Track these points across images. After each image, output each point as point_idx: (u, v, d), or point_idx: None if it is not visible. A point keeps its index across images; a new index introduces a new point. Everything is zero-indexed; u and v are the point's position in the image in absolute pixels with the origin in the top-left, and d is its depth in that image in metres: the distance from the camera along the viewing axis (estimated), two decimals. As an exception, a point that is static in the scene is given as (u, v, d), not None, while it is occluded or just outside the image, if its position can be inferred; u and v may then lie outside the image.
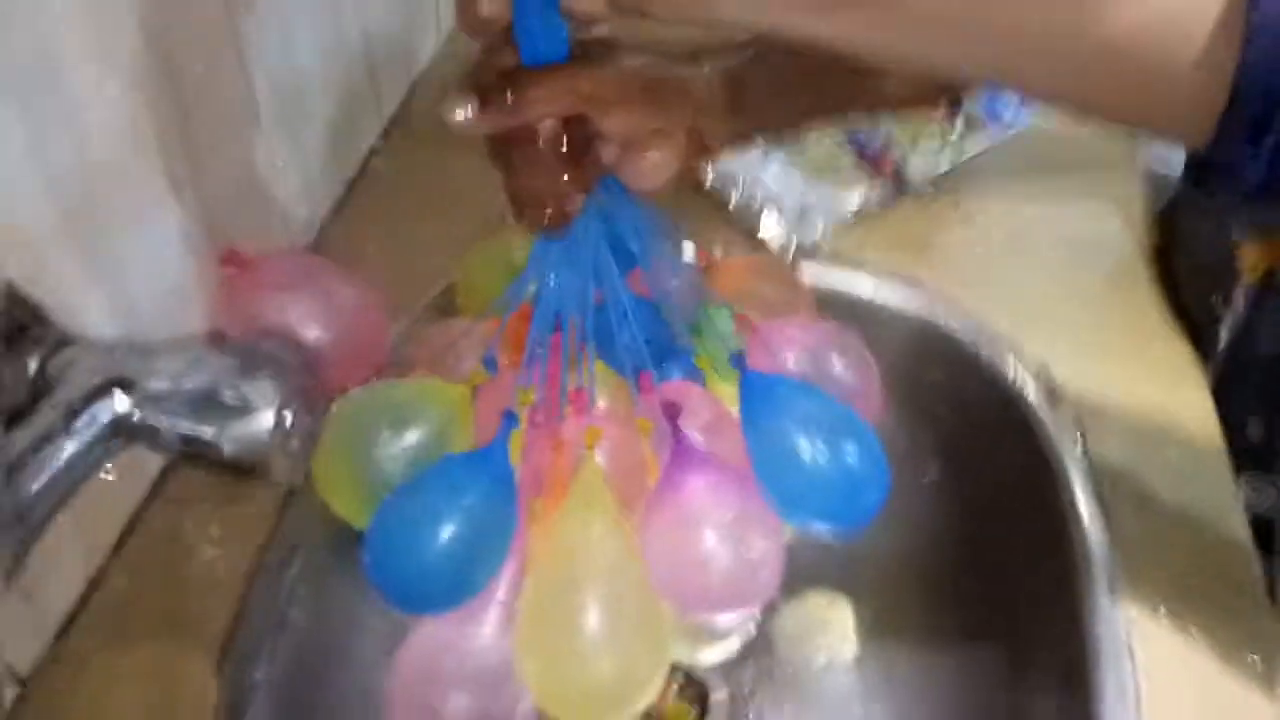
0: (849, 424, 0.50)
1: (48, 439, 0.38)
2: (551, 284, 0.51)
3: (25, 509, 0.36)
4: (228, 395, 0.40)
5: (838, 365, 0.56)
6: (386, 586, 0.45)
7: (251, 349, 0.41)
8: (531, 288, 0.51)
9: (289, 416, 0.39)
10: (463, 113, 0.44)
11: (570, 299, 0.51)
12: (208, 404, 0.40)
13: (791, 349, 0.55)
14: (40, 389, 0.39)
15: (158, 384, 0.41)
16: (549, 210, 0.47)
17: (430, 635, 0.47)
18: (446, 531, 0.44)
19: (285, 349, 0.42)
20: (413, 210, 0.84)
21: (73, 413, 0.38)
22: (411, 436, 0.48)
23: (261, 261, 0.50)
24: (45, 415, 0.38)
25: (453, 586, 0.46)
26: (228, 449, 0.39)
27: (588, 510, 0.46)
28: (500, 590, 0.48)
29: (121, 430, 0.40)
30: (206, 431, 0.39)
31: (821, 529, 0.49)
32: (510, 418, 0.48)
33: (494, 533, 0.46)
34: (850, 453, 0.49)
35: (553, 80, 0.44)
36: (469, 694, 0.46)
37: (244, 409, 0.39)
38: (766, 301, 0.59)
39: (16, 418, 0.37)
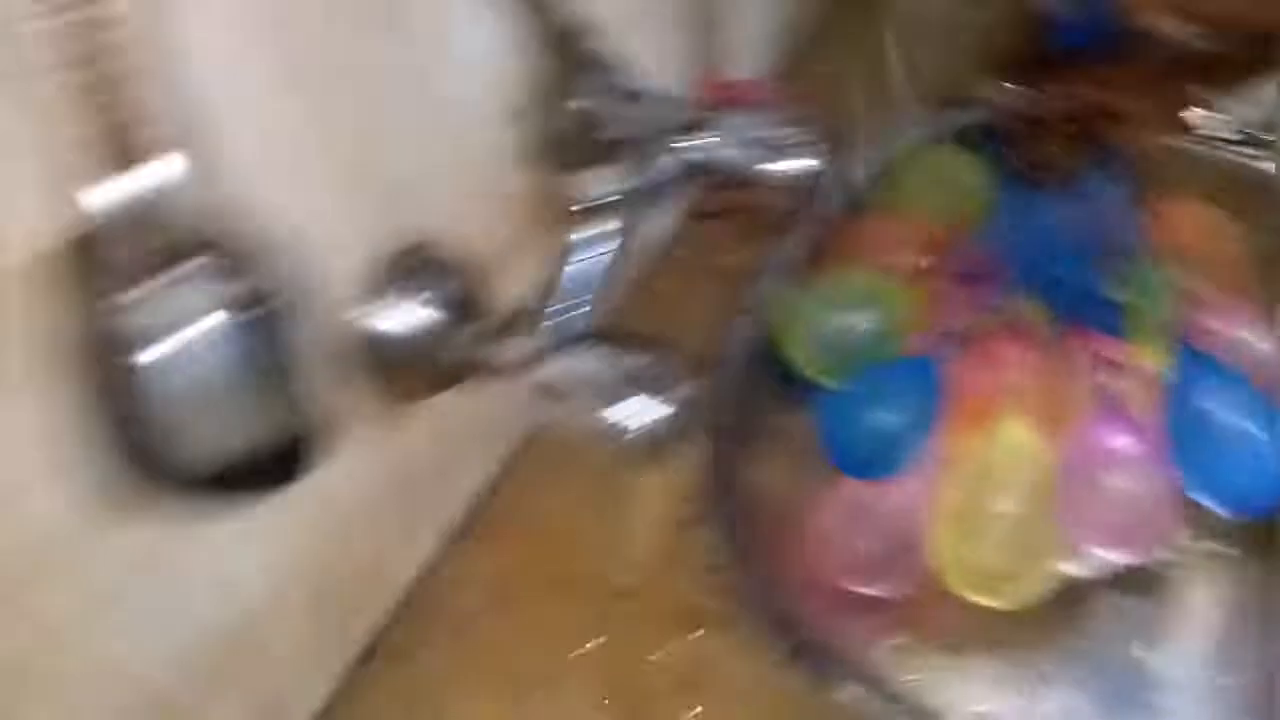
0: (1270, 419, 0.51)
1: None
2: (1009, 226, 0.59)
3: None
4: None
5: (1265, 350, 0.57)
6: (834, 450, 0.55)
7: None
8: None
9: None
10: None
11: (1025, 242, 0.58)
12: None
13: (1226, 328, 0.57)
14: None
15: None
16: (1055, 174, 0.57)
17: (854, 491, 0.55)
18: (885, 419, 0.55)
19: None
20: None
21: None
22: (866, 319, 0.59)
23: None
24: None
25: (883, 461, 0.55)
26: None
27: (1014, 426, 0.53)
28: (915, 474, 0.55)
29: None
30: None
31: (1217, 506, 0.52)
32: (949, 340, 0.56)
33: (919, 427, 0.55)
34: (1266, 447, 0.51)
35: (1090, 74, 0.55)
36: (880, 542, 0.53)
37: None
38: (1206, 260, 0.60)
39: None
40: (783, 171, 0.43)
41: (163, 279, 0.24)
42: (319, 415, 0.28)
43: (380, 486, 0.47)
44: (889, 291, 0.59)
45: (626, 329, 0.52)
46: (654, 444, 0.39)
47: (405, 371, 0.41)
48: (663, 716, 0.48)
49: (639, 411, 0.38)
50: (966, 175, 0.64)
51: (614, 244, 0.42)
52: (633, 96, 0.44)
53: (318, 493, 0.42)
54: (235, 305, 0.25)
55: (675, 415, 0.39)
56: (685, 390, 0.39)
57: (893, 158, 0.66)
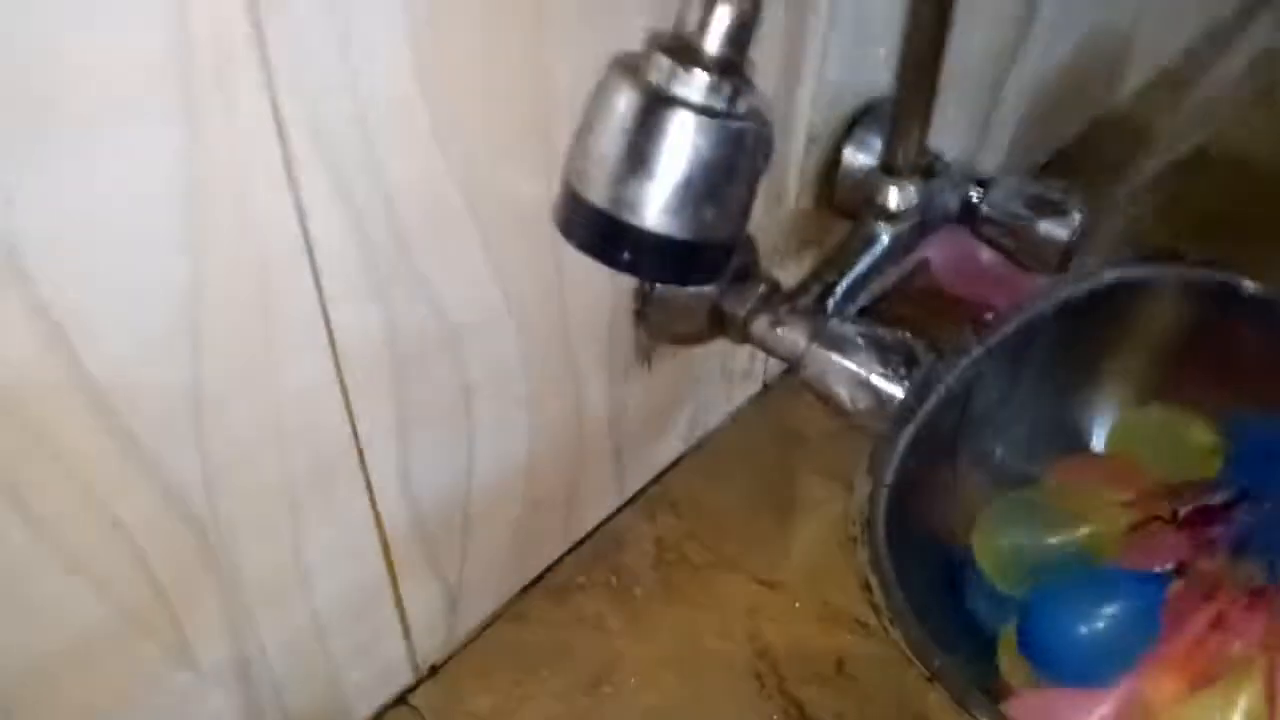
0: None
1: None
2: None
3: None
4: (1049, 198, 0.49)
5: None
6: (1032, 651, 0.56)
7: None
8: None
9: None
10: None
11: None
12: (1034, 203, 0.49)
13: None
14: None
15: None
16: None
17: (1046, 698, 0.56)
18: (1100, 627, 0.56)
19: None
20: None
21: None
22: (1070, 540, 0.61)
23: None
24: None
25: (1081, 671, 0.55)
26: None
27: (1237, 700, 0.53)
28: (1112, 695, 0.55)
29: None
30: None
31: None
32: (1168, 576, 0.57)
33: (1127, 647, 0.55)
34: None
35: None
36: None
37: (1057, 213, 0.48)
38: None
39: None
40: (1046, 232, 0.48)
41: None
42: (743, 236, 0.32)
43: (601, 420, 0.50)
44: (1101, 517, 0.60)
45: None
46: (896, 414, 0.43)
47: (687, 316, 0.46)
48: (795, 696, 0.49)
49: (891, 380, 0.42)
50: (1198, 435, 0.66)
51: (889, 252, 0.47)
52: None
53: (563, 404, 0.47)
54: (756, 117, 0.30)
55: (919, 388, 0.43)
56: (932, 374, 0.43)
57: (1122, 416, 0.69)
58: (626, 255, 0.29)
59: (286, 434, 0.35)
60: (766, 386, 0.63)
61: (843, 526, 0.56)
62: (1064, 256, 0.48)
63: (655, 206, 0.29)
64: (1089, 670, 0.55)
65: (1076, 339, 0.69)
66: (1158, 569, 0.58)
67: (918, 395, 0.44)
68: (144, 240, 0.28)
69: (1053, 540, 0.60)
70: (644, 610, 0.52)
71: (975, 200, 0.49)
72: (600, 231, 0.30)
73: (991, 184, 0.49)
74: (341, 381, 0.35)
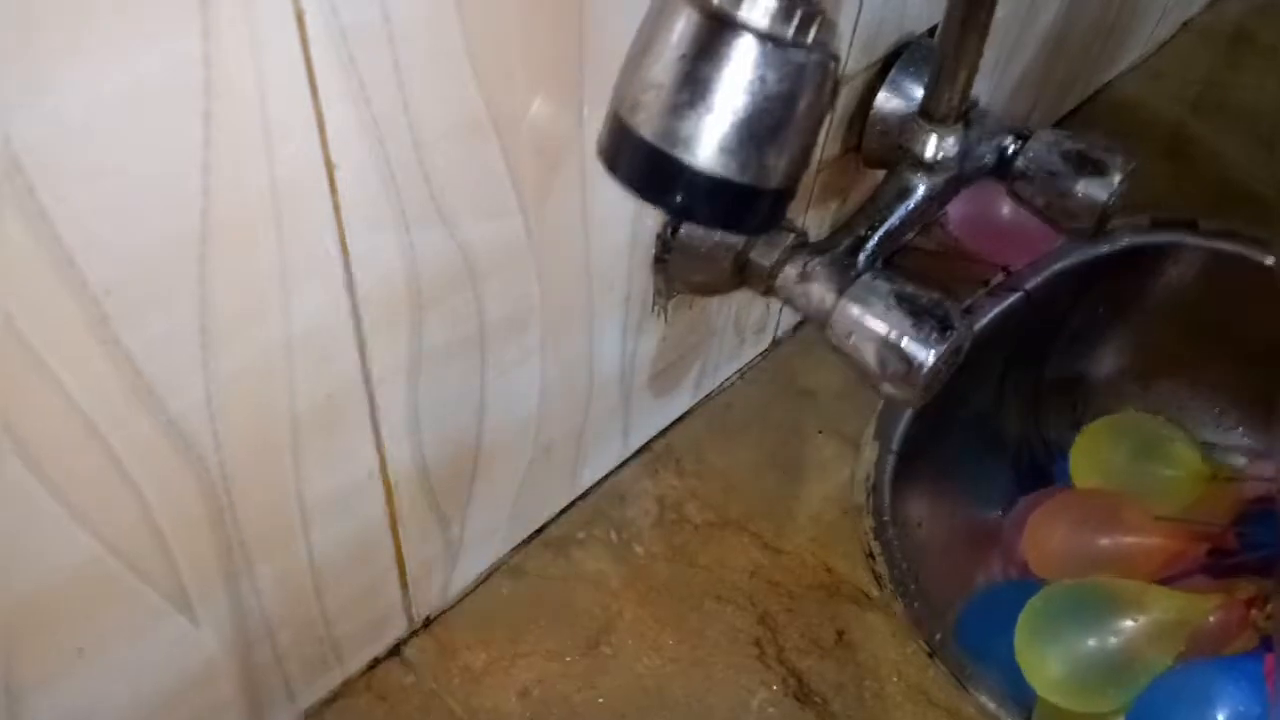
0: None
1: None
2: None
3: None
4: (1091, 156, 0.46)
5: None
6: None
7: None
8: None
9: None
10: None
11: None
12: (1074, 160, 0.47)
13: None
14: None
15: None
16: None
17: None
18: None
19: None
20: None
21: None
22: (1120, 633, 0.54)
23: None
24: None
25: None
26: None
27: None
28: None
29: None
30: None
31: None
32: (1267, 646, 0.53)
33: None
34: None
35: None
36: None
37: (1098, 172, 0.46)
38: None
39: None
40: (1084, 192, 0.46)
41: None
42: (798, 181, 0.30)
43: (613, 368, 0.48)
44: (1142, 598, 0.54)
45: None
46: (926, 381, 0.41)
47: (711, 265, 0.44)
48: (794, 666, 0.48)
49: (922, 345, 0.41)
50: (1174, 449, 0.62)
51: (923, 204, 0.45)
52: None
53: (577, 349, 0.45)
54: (825, 48, 0.28)
55: (952, 354, 0.41)
56: (965, 331, 0.41)
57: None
58: (678, 197, 0.27)
59: (295, 368, 0.32)
60: (777, 342, 0.61)
61: (849, 491, 0.55)
62: (1100, 219, 0.46)
63: (712, 143, 0.26)
64: None
65: (1091, 305, 0.68)
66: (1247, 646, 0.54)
67: (950, 363, 0.42)
68: (152, 152, 0.25)
69: (1110, 645, 0.53)
70: (645, 569, 0.51)
71: (1012, 153, 0.47)
72: (650, 169, 0.27)
73: (1030, 137, 0.47)
74: (356, 315, 0.33)
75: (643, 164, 0.27)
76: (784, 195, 0.29)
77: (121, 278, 0.26)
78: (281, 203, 0.28)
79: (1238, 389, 0.66)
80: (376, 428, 0.37)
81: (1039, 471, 0.70)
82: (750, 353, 0.58)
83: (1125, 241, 0.64)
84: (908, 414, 0.57)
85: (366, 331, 0.33)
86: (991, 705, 0.47)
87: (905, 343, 0.41)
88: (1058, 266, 0.63)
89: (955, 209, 0.65)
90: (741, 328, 0.55)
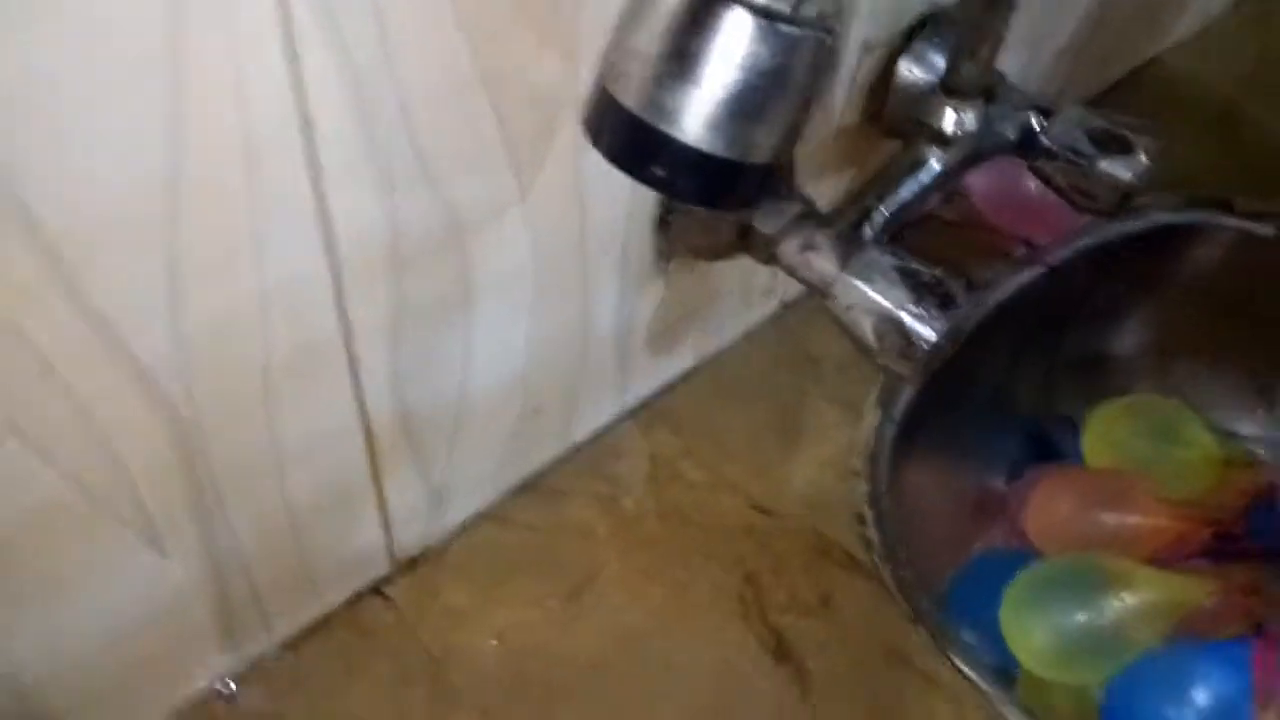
0: None
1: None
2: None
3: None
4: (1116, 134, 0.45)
5: None
6: None
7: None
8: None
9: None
10: None
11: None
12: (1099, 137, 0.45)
13: None
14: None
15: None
16: None
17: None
18: (1187, 716, 0.50)
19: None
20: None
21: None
22: (1106, 612, 0.53)
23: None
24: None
25: None
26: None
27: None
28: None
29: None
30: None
31: None
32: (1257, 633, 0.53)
33: None
34: None
35: None
36: None
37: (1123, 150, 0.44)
38: None
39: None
40: (1108, 171, 0.44)
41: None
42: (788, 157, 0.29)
43: (608, 329, 0.48)
44: (1134, 576, 0.54)
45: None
46: (925, 358, 0.40)
47: (713, 229, 0.43)
48: (776, 625, 0.48)
49: (923, 321, 0.40)
50: (1190, 432, 0.60)
51: (938, 179, 0.43)
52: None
53: (570, 311, 0.44)
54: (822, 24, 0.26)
55: (953, 331, 0.40)
56: (963, 310, 0.40)
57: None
58: (659, 171, 0.26)
59: (270, 320, 0.32)
60: (785, 306, 0.60)
61: (848, 457, 0.55)
62: (1122, 200, 0.44)
63: (698, 118, 0.26)
64: None
65: (1114, 281, 0.66)
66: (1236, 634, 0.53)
67: (950, 340, 0.41)
68: (116, 99, 0.25)
69: (1097, 620, 0.53)
70: (633, 523, 0.51)
71: (1036, 129, 0.45)
72: (632, 141, 0.26)
73: (1055, 112, 0.45)
74: (336, 271, 0.33)
75: (625, 135, 0.26)
76: (769, 171, 0.28)
77: (86, 226, 0.26)
78: (255, 155, 0.27)
79: (1262, 374, 0.64)
80: (357, 380, 0.37)
81: (1051, 447, 0.69)
82: (756, 316, 0.58)
83: (1155, 219, 0.61)
84: (915, 381, 0.57)
85: (346, 287, 0.33)
86: (971, 673, 0.47)
87: (905, 318, 0.40)
88: (1083, 242, 0.61)
89: (980, 181, 0.63)
90: (747, 291, 0.54)
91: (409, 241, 0.34)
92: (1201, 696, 0.50)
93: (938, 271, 0.40)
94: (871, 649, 0.48)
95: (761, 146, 0.27)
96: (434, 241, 0.35)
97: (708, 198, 0.28)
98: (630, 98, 0.27)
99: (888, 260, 0.41)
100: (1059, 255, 0.60)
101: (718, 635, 0.48)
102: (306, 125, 0.28)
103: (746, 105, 0.26)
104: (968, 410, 0.65)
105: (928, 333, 0.39)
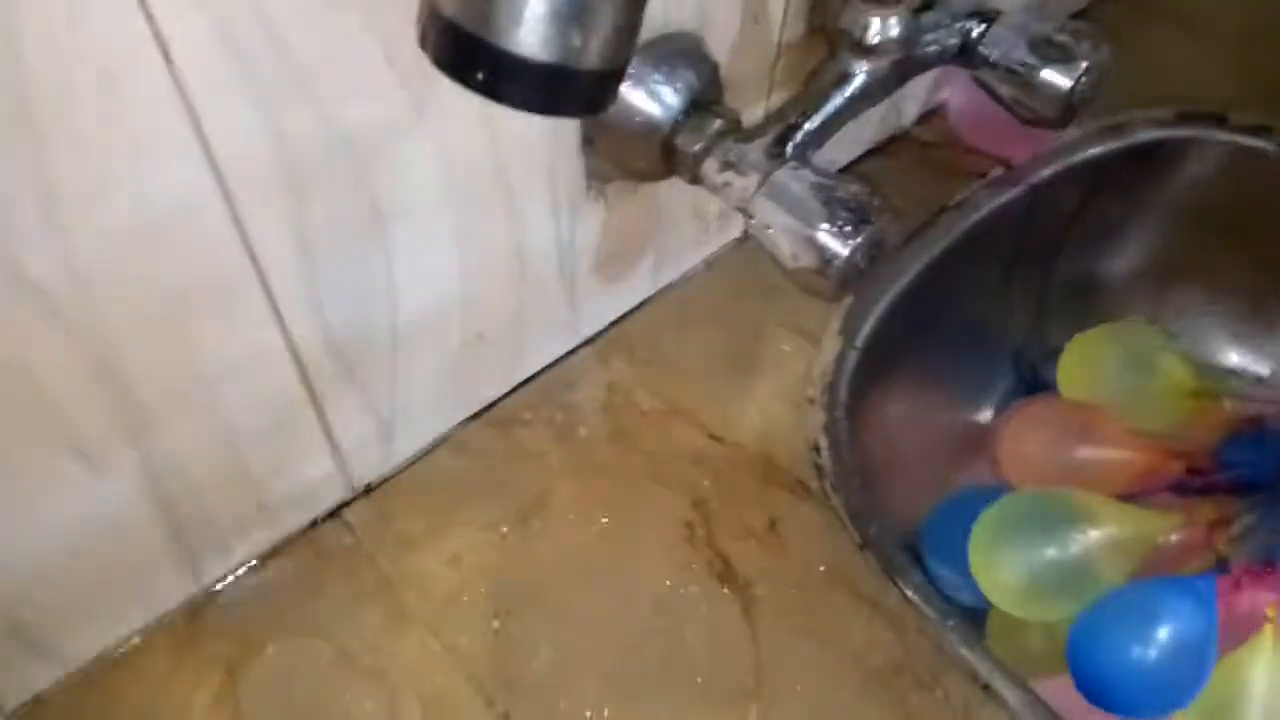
0: None
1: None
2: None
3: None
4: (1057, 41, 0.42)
5: None
6: (1088, 687, 0.51)
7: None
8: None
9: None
10: None
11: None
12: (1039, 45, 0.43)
13: None
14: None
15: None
16: None
17: None
18: (1156, 651, 0.50)
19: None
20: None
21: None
22: (1075, 546, 0.53)
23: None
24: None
25: (1153, 699, 0.51)
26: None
27: (1257, 664, 0.51)
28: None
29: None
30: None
31: None
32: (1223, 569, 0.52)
33: (1195, 661, 0.50)
34: None
35: None
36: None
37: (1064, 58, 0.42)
38: None
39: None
40: (1048, 80, 0.43)
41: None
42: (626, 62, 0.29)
43: (547, 255, 0.48)
44: (1102, 511, 0.53)
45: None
46: (839, 276, 0.40)
47: (637, 148, 0.43)
48: (722, 549, 0.48)
49: (836, 238, 0.39)
50: (1166, 362, 0.59)
51: (864, 91, 0.42)
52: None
53: (498, 235, 0.45)
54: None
55: (869, 248, 0.39)
56: (884, 226, 0.39)
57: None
58: (480, 75, 0.26)
59: (166, 242, 0.33)
60: (747, 233, 0.59)
61: (805, 387, 0.54)
62: (1064, 110, 0.42)
63: (508, 21, 0.26)
64: (1162, 695, 0.51)
65: (1104, 202, 0.63)
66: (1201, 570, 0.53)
67: (867, 258, 0.40)
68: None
69: (1065, 555, 0.53)
70: (586, 450, 0.52)
71: (975, 37, 0.44)
72: (453, 48, 0.26)
73: (995, 20, 0.44)
74: (225, 192, 0.34)
75: (447, 42, 0.26)
76: (605, 77, 0.28)
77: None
78: (109, 76, 0.29)
79: (1259, 299, 0.61)
80: (274, 303, 0.38)
81: (1040, 378, 0.67)
82: (715, 243, 0.57)
83: (1143, 135, 0.59)
84: (879, 310, 0.56)
85: (240, 210, 0.34)
86: (916, 598, 0.47)
87: (820, 236, 0.39)
88: (1066, 160, 0.59)
89: (955, 98, 0.61)
90: (702, 215, 0.54)
91: (299, 163, 0.35)
92: (1167, 632, 0.50)
93: (856, 188, 0.39)
94: (817, 576, 0.48)
95: (583, 50, 0.27)
96: (328, 164, 0.36)
97: (538, 104, 0.28)
98: (449, 4, 0.27)
99: (806, 177, 0.40)
100: (1039, 174, 0.58)
101: (664, 559, 0.48)
102: (161, 42, 0.29)
103: (564, 8, 0.26)
104: (952, 340, 0.64)
105: (841, 249, 0.39)
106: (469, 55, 0.26)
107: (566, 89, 0.27)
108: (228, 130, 0.32)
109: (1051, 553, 0.53)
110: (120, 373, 0.36)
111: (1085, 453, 0.57)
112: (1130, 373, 0.59)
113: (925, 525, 0.60)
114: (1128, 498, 0.55)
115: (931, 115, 0.65)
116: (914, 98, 0.63)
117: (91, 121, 0.29)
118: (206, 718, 0.43)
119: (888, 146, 0.64)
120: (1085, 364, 0.60)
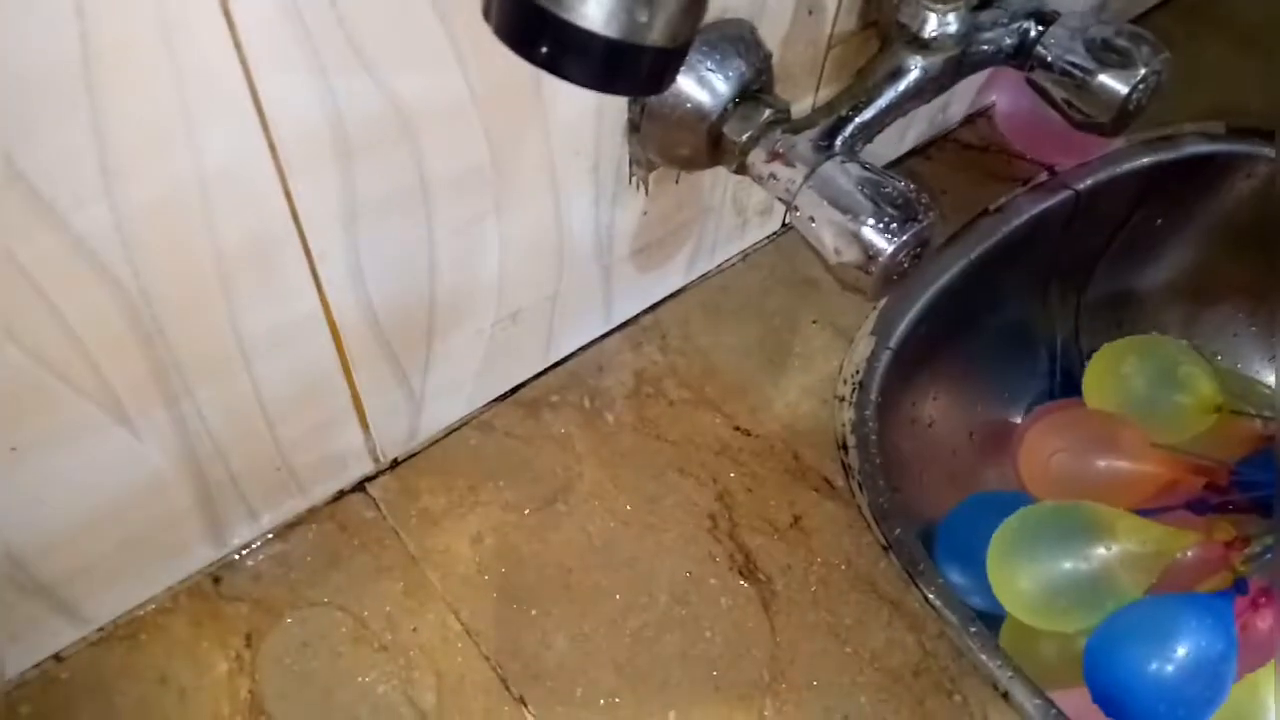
0: None
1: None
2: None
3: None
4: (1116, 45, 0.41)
5: None
6: (1105, 701, 0.51)
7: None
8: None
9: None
10: None
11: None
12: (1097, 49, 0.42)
13: None
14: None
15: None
16: None
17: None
18: (1170, 667, 0.50)
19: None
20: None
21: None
22: (1093, 560, 0.53)
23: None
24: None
25: (1168, 718, 0.51)
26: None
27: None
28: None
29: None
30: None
31: None
32: (1240, 588, 0.51)
33: (1213, 680, 0.50)
34: None
35: None
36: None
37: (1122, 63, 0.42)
38: None
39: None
40: (1104, 84, 0.42)
41: None
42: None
43: (586, 239, 0.48)
44: (1120, 525, 0.53)
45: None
46: (882, 273, 0.40)
47: (683, 135, 0.42)
48: (744, 543, 0.48)
49: (881, 234, 0.39)
50: (1192, 376, 0.59)
51: (917, 87, 0.42)
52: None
53: (540, 216, 0.44)
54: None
55: (913, 246, 0.39)
56: (930, 225, 0.39)
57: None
58: (544, 49, 0.26)
59: (213, 204, 0.33)
60: (786, 226, 0.59)
61: (836, 383, 0.54)
62: (1119, 115, 0.42)
63: (581, -4, 0.25)
64: (1178, 712, 0.50)
65: (1148, 213, 0.63)
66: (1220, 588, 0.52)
67: (911, 256, 0.40)
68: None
69: (1083, 568, 0.53)
70: (612, 436, 0.52)
71: (1033, 38, 0.43)
72: (518, 20, 0.26)
73: (1055, 21, 0.43)
74: (275, 157, 0.34)
75: (512, 14, 0.26)
76: (669, 55, 0.27)
77: (4, 94, 0.27)
78: (172, 34, 0.28)
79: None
80: (315, 272, 0.38)
81: (1073, 384, 0.66)
82: (754, 235, 0.57)
83: (1193, 149, 0.58)
84: (914, 311, 0.55)
85: (290, 175, 0.34)
86: (938, 601, 0.47)
87: (865, 231, 0.39)
88: (1112, 170, 0.58)
89: (1004, 101, 0.61)
90: (742, 208, 0.54)
91: (352, 131, 0.35)
92: (1185, 649, 0.49)
93: (904, 184, 0.39)
94: (838, 574, 0.48)
95: (653, 28, 0.27)
96: (379, 133, 0.35)
97: (600, 80, 0.28)
98: (512, -28, 0.27)
99: (854, 171, 0.40)
100: (1084, 182, 0.58)
101: (686, 549, 0.48)
102: (224, 4, 0.29)
103: (627, -19, 0.26)
104: (987, 344, 0.63)
105: (885, 245, 0.38)
106: (533, 28, 0.26)
107: (629, 65, 0.27)
108: (283, 94, 0.32)
109: (1069, 564, 0.53)
110: (160, 332, 0.36)
111: (1104, 463, 0.56)
112: (1154, 385, 0.59)
113: (940, 528, 0.59)
114: (1144, 511, 0.55)
115: (977, 117, 0.64)
116: (961, 99, 0.62)
117: (149, 76, 0.29)
118: (224, 684, 0.43)
119: (929, 148, 0.63)
120: (1110, 374, 0.60)
